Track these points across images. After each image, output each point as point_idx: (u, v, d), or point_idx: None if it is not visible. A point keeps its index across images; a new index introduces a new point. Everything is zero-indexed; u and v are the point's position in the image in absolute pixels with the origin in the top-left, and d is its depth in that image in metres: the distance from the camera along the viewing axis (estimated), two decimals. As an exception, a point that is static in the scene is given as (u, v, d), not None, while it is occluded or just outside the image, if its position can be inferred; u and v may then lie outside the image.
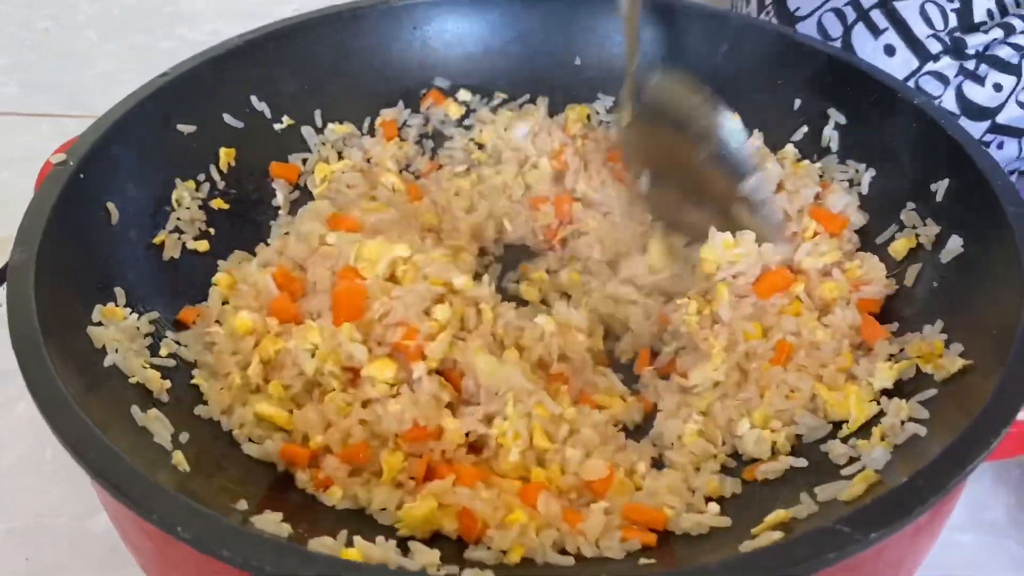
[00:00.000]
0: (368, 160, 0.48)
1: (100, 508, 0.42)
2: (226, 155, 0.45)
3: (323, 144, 0.48)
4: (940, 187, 0.39)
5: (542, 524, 0.31)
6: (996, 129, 0.54)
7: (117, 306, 0.36)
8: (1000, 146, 0.56)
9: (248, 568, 0.24)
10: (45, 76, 0.78)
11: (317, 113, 0.49)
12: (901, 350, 0.37)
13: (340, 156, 0.48)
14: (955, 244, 0.38)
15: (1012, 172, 0.60)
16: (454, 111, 0.51)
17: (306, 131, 0.48)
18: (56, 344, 0.31)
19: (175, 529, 0.24)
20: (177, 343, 0.37)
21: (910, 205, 0.41)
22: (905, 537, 0.26)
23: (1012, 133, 0.55)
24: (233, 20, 0.86)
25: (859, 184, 0.44)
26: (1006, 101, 0.53)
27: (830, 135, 0.45)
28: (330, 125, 0.48)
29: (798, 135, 0.47)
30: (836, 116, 0.45)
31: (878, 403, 0.35)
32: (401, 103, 0.50)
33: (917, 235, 0.40)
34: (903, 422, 0.32)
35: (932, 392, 0.33)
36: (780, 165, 0.45)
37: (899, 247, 0.41)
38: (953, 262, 0.38)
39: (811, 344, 0.38)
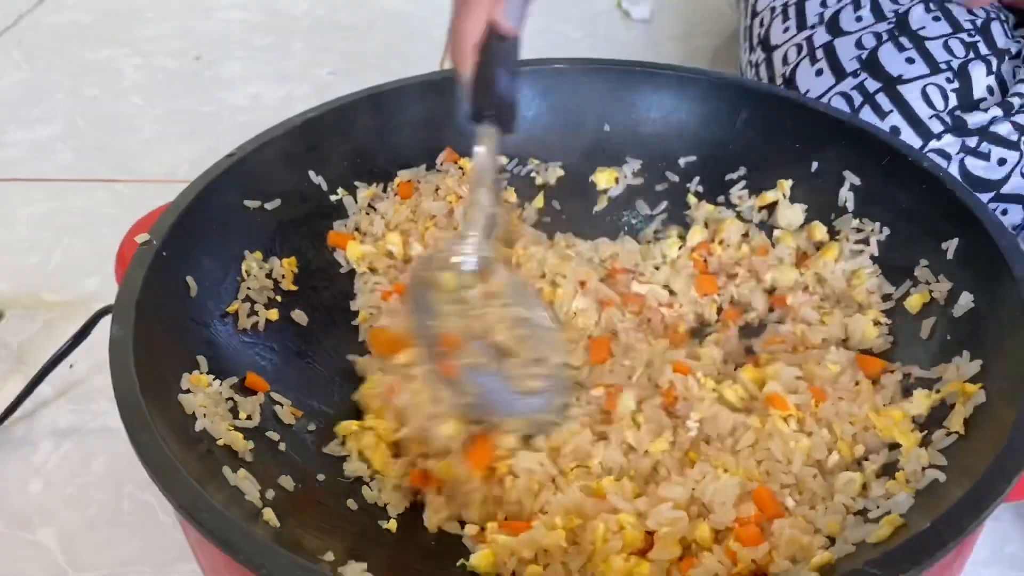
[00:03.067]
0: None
1: (179, 558, 0.46)
2: (288, 223, 0.49)
3: (360, 211, 0.52)
4: (950, 246, 0.43)
5: None
6: (1000, 198, 0.57)
7: (201, 374, 0.40)
8: (1004, 212, 0.59)
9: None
10: (96, 142, 0.82)
11: (360, 185, 0.53)
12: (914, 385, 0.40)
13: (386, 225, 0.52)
14: (966, 300, 0.41)
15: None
16: (467, 166, 0.54)
17: (348, 201, 0.51)
18: (155, 411, 0.34)
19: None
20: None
21: (923, 262, 0.44)
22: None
23: (1016, 201, 0.58)
24: (271, 84, 0.91)
25: (870, 244, 0.47)
26: (1010, 174, 0.57)
27: (846, 196, 0.49)
28: (360, 190, 0.52)
29: (817, 196, 0.50)
30: (851, 178, 0.49)
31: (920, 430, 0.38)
32: (424, 166, 0.54)
33: (931, 291, 0.43)
34: (924, 468, 0.35)
35: (952, 439, 0.36)
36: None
37: (914, 302, 0.44)
38: (965, 316, 0.41)
39: (830, 379, 0.41)
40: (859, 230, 0.48)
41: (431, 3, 1.05)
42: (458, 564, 0.36)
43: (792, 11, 0.67)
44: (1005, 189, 0.57)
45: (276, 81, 0.91)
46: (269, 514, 0.34)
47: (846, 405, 0.40)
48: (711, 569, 0.33)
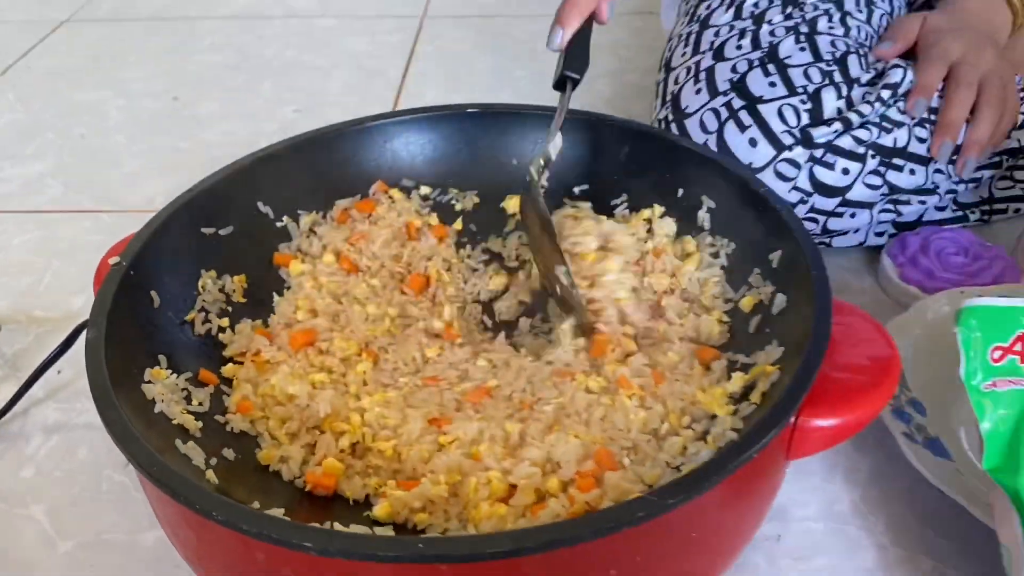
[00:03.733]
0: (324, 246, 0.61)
1: (148, 528, 0.55)
2: (239, 246, 0.58)
3: (302, 235, 0.61)
4: (775, 257, 0.52)
5: None
6: (846, 204, 0.68)
7: (161, 369, 0.49)
8: (853, 216, 0.69)
9: (260, 537, 0.36)
10: (83, 176, 0.92)
11: (303, 212, 0.62)
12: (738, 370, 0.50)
13: (324, 247, 0.61)
14: (781, 299, 0.51)
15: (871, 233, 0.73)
16: (396, 195, 0.64)
17: (291, 227, 0.61)
18: (122, 398, 0.44)
19: (211, 514, 0.37)
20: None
21: (756, 271, 0.54)
22: (703, 507, 0.39)
23: (862, 206, 0.68)
24: (242, 120, 1.01)
25: (720, 256, 0.57)
26: (854, 182, 0.67)
27: (703, 216, 0.58)
28: (303, 216, 0.61)
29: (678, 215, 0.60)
30: (708, 202, 0.58)
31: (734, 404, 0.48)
32: (359, 196, 0.64)
33: (759, 294, 0.53)
34: (725, 431, 0.45)
35: (751, 409, 0.45)
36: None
37: (746, 303, 0.53)
38: (779, 313, 0.50)
39: (670, 365, 0.51)
40: (713, 245, 0.58)
41: (388, 46, 1.15)
42: (364, 515, 0.46)
43: (692, 39, 0.77)
44: (850, 195, 0.67)
45: (246, 119, 1.01)
46: (211, 475, 0.44)
47: (679, 386, 0.49)
48: (554, 510, 0.42)
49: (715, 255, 0.57)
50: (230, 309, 0.56)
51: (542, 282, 0.58)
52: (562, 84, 0.59)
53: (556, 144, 0.57)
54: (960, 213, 0.76)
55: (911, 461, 0.52)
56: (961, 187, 0.73)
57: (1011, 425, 0.46)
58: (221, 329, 0.55)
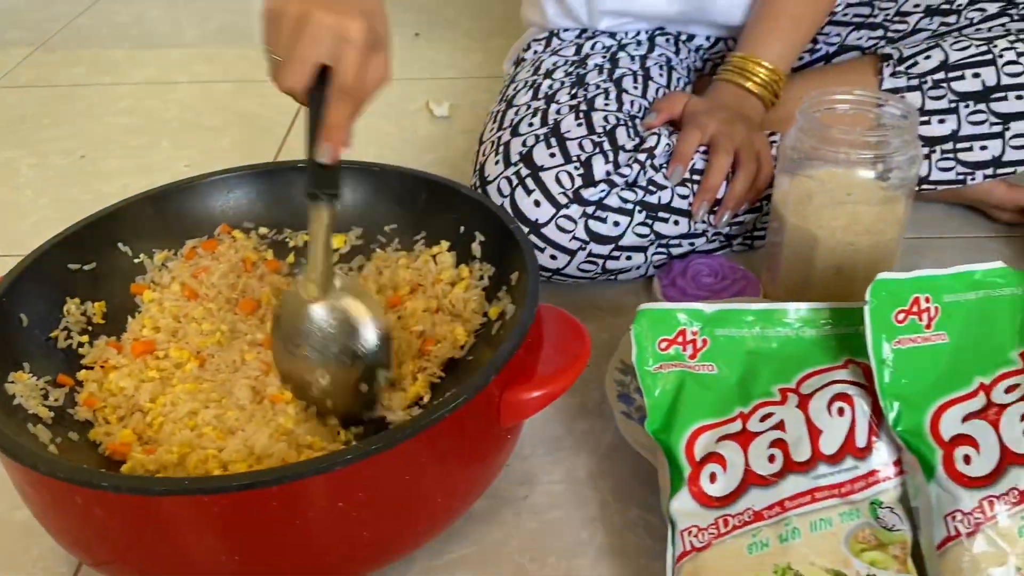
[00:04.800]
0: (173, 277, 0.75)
1: (19, 506, 0.68)
2: (99, 278, 0.72)
3: (156, 269, 0.75)
4: (514, 277, 0.68)
5: None
6: (620, 248, 0.83)
7: (24, 374, 0.63)
8: (629, 258, 0.85)
9: (71, 481, 0.50)
10: (-7, 226, 1.05)
11: (156, 250, 0.76)
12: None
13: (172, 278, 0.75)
14: (511, 309, 0.66)
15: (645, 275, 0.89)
16: (238, 235, 0.78)
17: (147, 262, 0.75)
18: (-14, 393, 0.57)
19: (37, 468, 0.50)
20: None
21: (504, 288, 0.69)
22: (407, 454, 0.53)
23: (635, 250, 0.84)
24: (139, 175, 1.15)
25: (483, 279, 0.72)
26: (625, 232, 0.82)
27: (476, 247, 0.74)
28: (156, 253, 0.75)
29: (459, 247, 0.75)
30: (480, 236, 0.74)
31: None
32: (206, 236, 0.78)
33: (502, 305, 0.68)
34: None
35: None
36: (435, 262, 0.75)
37: (493, 312, 0.68)
38: (511, 319, 0.66)
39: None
40: (480, 269, 0.73)
41: (276, 107, 1.31)
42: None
43: (498, 117, 0.93)
44: (623, 242, 0.83)
45: (143, 173, 1.15)
46: (53, 449, 0.57)
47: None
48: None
49: (480, 278, 0.72)
50: (90, 328, 0.70)
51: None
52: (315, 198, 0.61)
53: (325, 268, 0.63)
54: (725, 243, 0.92)
55: (621, 430, 0.67)
56: (725, 229, 0.89)
57: (670, 397, 0.61)
58: (80, 344, 0.69)
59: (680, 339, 0.62)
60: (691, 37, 1.07)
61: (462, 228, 0.75)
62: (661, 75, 0.98)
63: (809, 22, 0.94)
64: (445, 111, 1.27)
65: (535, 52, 1.03)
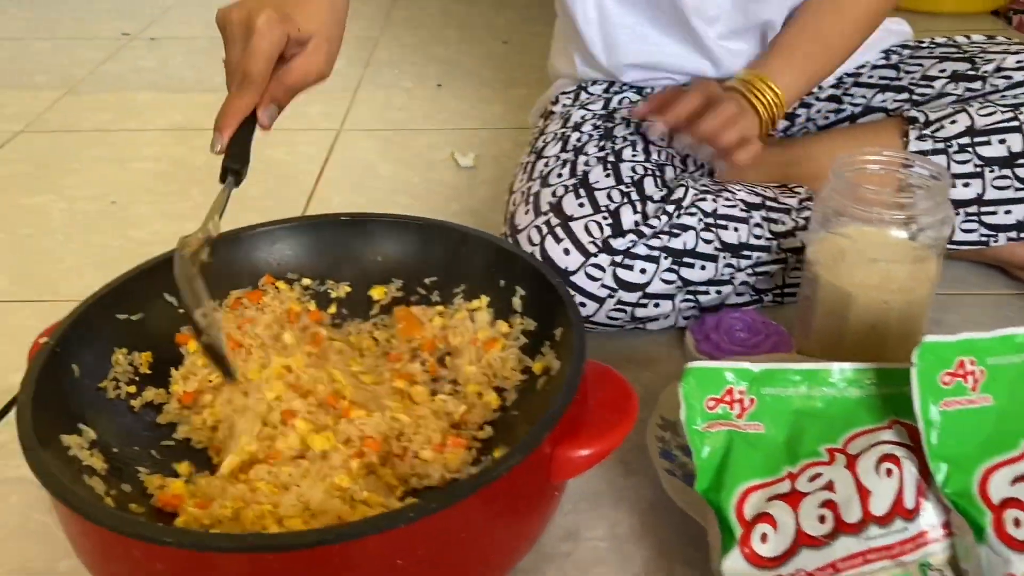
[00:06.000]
0: None
1: (64, 556, 0.68)
2: (147, 329, 0.73)
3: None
4: (558, 332, 0.69)
5: None
6: (647, 296, 0.85)
7: (76, 423, 0.63)
8: (656, 305, 0.86)
9: (134, 536, 0.50)
10: (27, 270, 1.06)
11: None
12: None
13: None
14: (557, 365, 0.67)
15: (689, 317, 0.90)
16: (281, 286, 0.79)
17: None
18: (42, 443, 0.58)
19: (100, 521, 0.51)
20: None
21: (547, 343, 0.70)
22: (466, 511, 0.53)
23: (663, 297, 0.86)
24: (170, 222, 1.16)
25: (519, 338, 0.73)
26: (652, 279, 0.84)
27: (517, 302, 0.75)
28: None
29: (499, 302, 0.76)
30: (520, 290, 0.75)
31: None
32: (250, 287, 0.79)
33: (546, 360, 0.69)
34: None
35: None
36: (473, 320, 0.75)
37: (538, 367, 0.69)
38: (556, 375, 0.66)
39: None
40: (521, 323, 0.74)
41: (304, 155, 1.33)
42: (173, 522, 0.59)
43: (528, 168, 0.95)
44: (650, 290, 0.85)
45: (174, 220, 1.16)
46: (109, 501, 0.58)
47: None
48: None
49: (514, 339, 0.74)
50: (137, 379, 0.71)
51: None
52: (223, 176, 0.70)
53: (214, 225, 0.69)
54: (756, 296, 0.94)
55: (665, 488, 0.68)
56: (753, 279, 0.91)
57: (719, 457, 0.62)
58: (130, 395, 0.69)
59: (728, 398, 0.63)
60: None
61: (502, 282, 0.76)
62: None
63: (820, 63, 0.96)
64: (470, 161, 1.29)
65: (564, 105, 1.06)
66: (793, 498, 0.59)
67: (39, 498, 0.74)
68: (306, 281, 0.81)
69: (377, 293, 0.81)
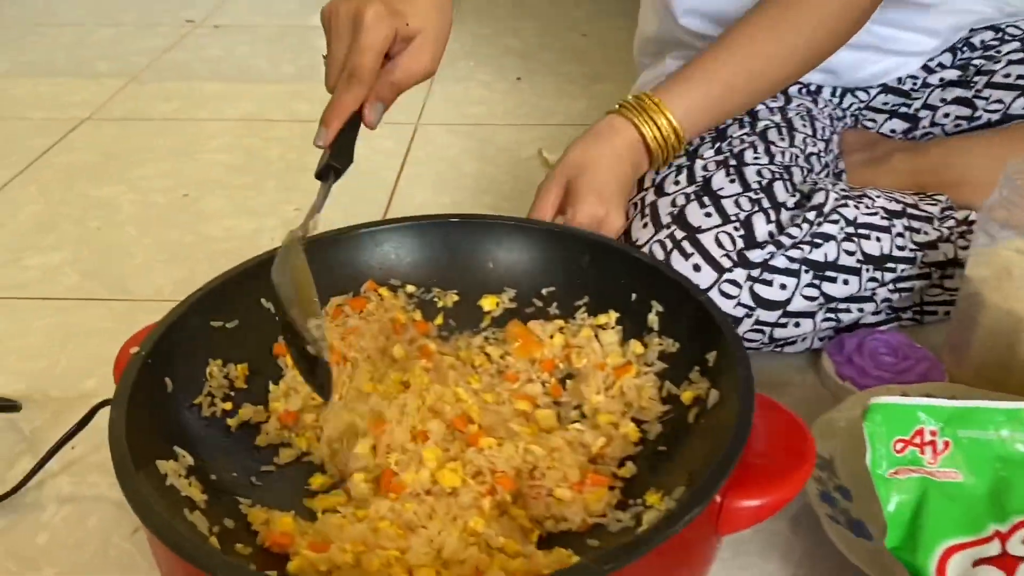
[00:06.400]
0: None
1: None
2: (242, 338, 0.66)
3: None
4: (711, 357, 0.60)
5: None
6: (788, 315, 0.76)
7: (172, 446, 0.56)
8: (797, 325, 0.77)
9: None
10: (96, 266, 1.00)
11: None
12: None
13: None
14: (714, 395, 0.58)
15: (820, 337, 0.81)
16: (385, 293, 0.71)
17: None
18: (139, 469, 0.50)
19: (215, 572, 0.43)
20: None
21: (696, 368, 0.62)
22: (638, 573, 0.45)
23: (804, 316, 0.77)
24: (245, 218, 1.09)
25: (653, 364, 0.65)
26: (792, 296, 0.75)
27: (653, 319, 0.66)
28: None
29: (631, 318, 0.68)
30: (657, 306, 0.66)
31: None
32: (351, 293, 0.71)
33: (697, 389, 0.61)
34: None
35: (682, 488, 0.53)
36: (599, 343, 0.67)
37: (687, 396, 0.61)
38: (713, 407, 0.58)
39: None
40: (660, 344, 0.65)
41: (383, 151, 1.25)
42: (286, 568, 0.51)
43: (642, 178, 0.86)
44: (791, 308, 0.76)
45: (249, 215, 1.10)
46: (213, 541, 0.50)
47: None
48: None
49: (649, 362, 0.65)
50: (232, 394, 0.63)
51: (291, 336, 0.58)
52: (325, 174, 0.64)
53: (314, 225, 0.63)
54: (894, 315, 0.84)
55: (833, 540, 0.59)
56: (895, 296, 0.81)
57: (911, 509, 0.53)
58: (226, 412, 0.62)
59: (918, 439, 0.55)
60: (819, 89, 1.01)
61: (634, 295, 0.68)
62: (804, 125, 0.91)
63: (740, 99, 0.82)
64: (560, 159, 1.20)
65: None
66: (1006, 563, 0.50)
67: (119, 520, 0.67)
68: (410, 288, 0.74)
69: (488, 303, 0.73)
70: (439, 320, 0.73)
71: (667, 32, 1.02)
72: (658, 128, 0.80)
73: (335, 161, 0.65)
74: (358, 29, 0.65)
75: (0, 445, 0.74)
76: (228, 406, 0.63)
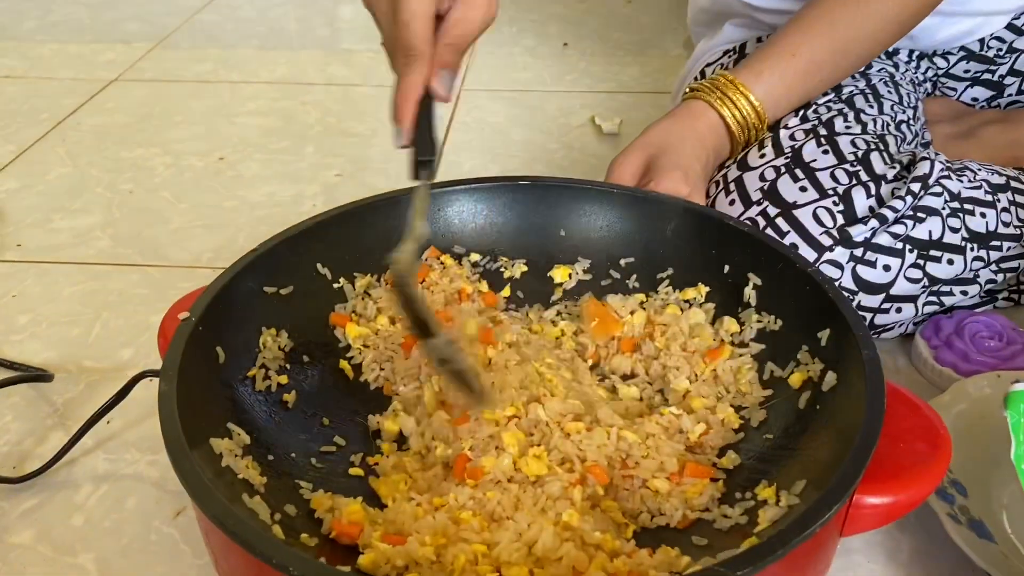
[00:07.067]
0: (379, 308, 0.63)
1: (195, 578, 0.56)
2: (298, 305, 0.60)
3: (357, 297, 0.63)
4: (824, 335, 0.54)
5: None
6: (891, 299, 0.69)
7: (226, 422, 0.50)
8: (899, 310, 0.70)
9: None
10: (130, 231, 0.94)
11: (358, 275, 0.64)
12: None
13: (378, 309, 0.63)
14: (831, 378, 0.52)
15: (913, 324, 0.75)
16: (448, 261, 0.66)
17: (347, 288, 0.63)
18: (193, 448, 0.45)
19: (287, 569, 0.38)
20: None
21: (804, 347, 0.55)
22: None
23: (906, 300, 0.70)
24: (285, 183, 1.04)
25: (748, 345, 0.59)
26: (896, 278, 0.68)
27: (750, 293, 0.60)
28: (358, 278, 0.63)
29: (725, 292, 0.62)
30: (755, 278, 0.60)
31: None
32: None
33: (808, 371, 0.54)
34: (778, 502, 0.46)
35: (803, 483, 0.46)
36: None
37: (795, 379, 0.55)
38: (830, 391, 0.52)
39: None
40: (760, 321, 0.59)
41: (427, 115, 1.19)
42: (356, 563, 0.45)
43: None
44: (894, 291, 0.69)
45: (289, 181, 1.04)
46: (277, 530, 0.45)
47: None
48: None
49: (745, 342, 0.59)
50: (288, 367, 0.58)
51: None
52: (417, 172, 0.55)
53: (421, 233, 0.53)
54: (988, 297, 0.78)
55: (958, 543, 0.53)
56: (1000, 277, 0.75)
57: (1060, 508, 0.47)
58: (280, 386, 0.56)
59: (1065, 431, 0.48)
60: (896, 51, 0.94)
61: (726, 267, 0.62)
62: (890, 91, 0.84)
63: (825, 75, 0.77)
64: (615, 128, 1.14)
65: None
66: None
67: (160, 502, 0.61)
68: (475, 256, 0.68)
69: (560, 274, 0.67)
70: (506, 292, 0.67)
71: (722, 3, 0.95)
72: (738, 109, 0.74)
73: (422, 155, 0.55)
74: (397, 1, 0.55)
75: (30, 418, 0.68)
76: (284, 379, 0.57)
